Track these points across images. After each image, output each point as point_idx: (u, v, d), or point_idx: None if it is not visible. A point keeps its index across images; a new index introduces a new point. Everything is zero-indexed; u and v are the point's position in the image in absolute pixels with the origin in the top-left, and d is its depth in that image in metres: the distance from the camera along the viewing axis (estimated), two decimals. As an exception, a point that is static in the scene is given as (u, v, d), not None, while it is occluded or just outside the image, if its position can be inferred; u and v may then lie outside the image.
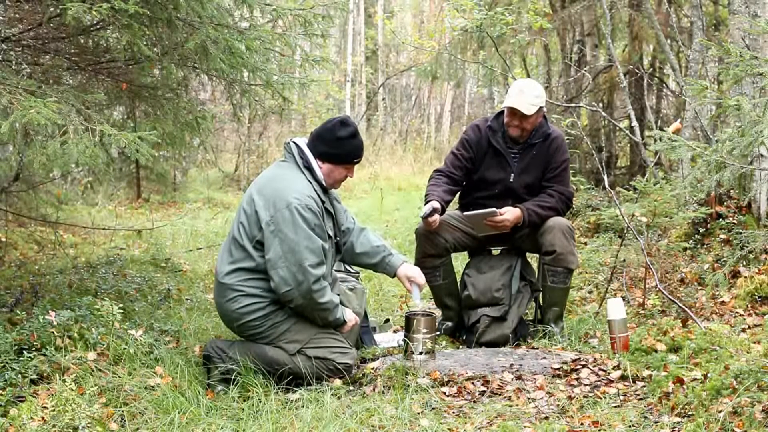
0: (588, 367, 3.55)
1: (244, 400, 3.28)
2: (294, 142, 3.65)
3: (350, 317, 3.65)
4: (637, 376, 3.40)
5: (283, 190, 3.46)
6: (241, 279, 3.49)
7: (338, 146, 3.58)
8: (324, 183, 3.60)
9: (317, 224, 3.47)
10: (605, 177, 5.64)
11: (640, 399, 3.21)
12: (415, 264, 4.40)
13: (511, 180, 4.30)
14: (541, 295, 4.34)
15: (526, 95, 4.15)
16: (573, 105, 7.95)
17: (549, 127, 4.33)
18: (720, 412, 2.80)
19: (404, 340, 3.75)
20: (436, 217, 4.14)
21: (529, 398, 3.27)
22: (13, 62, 4.42)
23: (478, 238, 4.36)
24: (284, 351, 3.50)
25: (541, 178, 4.32)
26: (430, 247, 4.27)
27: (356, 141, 3.61)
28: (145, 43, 3.97)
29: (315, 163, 3.59)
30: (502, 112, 4.31)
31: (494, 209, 4.17)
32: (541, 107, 4.20)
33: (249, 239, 3.48)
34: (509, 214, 4.18)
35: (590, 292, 5.30)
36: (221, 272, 3.54)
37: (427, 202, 4.19)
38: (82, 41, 4.69)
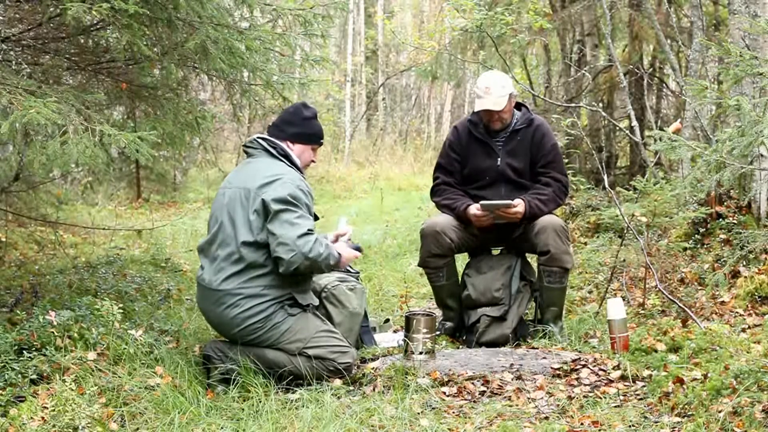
0: (588, 367, 3.55)
1: (244, 400, 3.28)
2: (260, 138, 3.71)
3: (343, 250, 3.68)
4: (637, 376, 3.40)
5: (275, 177, 3.51)
6: (243, 281, 3.47)
7: (307, 126, 3.74)
8: (300, 167, 3.70)
9: (307, 204, 3.55)
10: (605, 177, 5.64)
11: (640, 399, 3.21)
12: (419, 264, 4.42)
13: (499, 164, 4.34)
14: (538, 295, 4.34)
15: (493, 93, 4.22)
16: (573, 105, 7.94)
17: (531, 113, 4.44)
18: (720, 412, 2.80)
19: (404, 340, 3.75)
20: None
21: (529, 398, 3.27)
22: (13, 62, 4.42)
23: (480, 238, 4.37)
24: (285, 352, 3.50)
25: (529, 162, 4.36)
26: (436, 247, 4.27)
27: (319, 122, 3.82)
28: (145, 43, 3.96)
29: (289, 150, 3.68)
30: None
31: (509, 201, 4.21)
32: (510, 93, 4.27)
33: (252, 236, 3.47)
34: (521, 206, 4.22)
35: (590, 292, 5.30)
36: (215, 280, 3.50)
37: (461, 208, 4.27)
38: (82, 41, 4.69)
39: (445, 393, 3.36)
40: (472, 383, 3.45)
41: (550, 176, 4.34)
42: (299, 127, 3.72)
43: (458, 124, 4.54)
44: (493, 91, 4.22)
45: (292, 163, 3.67)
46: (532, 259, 4.66)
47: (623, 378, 3.41)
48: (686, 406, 2.97)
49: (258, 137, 3.72)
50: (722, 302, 4.51)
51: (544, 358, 3.73)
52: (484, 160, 4.36)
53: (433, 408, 3.20)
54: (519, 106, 4.44)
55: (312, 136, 3.76)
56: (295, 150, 3.71)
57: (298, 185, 3.52)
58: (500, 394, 3.35)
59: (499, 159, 4.34)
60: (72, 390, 3.03)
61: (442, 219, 4.33)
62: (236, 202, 3.53)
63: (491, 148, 4.36)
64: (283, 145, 3.69)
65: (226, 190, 3.61)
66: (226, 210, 3.55)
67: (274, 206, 3.43)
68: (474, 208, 4.24)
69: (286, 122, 3.74)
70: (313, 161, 3.81)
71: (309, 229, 3.48)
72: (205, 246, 3.62)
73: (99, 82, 4.81)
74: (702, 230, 5.28)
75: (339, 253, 3.60)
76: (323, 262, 3.50)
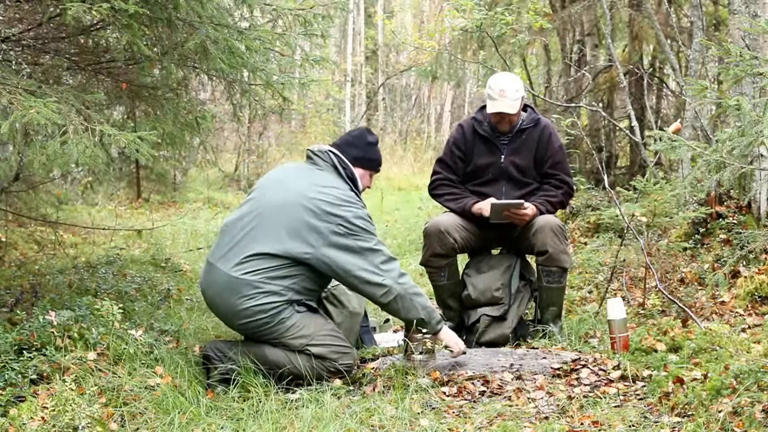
0: (588, 367, 3.55)
1: (244, 400, 3.28)
2: (331, 151, 3.68)
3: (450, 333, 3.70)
4: (637, 376, 3.40)
5: (341, 198, 3.50)
6: (267, 276, 3.42)
7: (370, 151, 3.75)
8: (360, 192, 3.70)
9: (374, 229, 3.59)
10: (605, 177, 5.64)
11: (640, 399, 3.21)
12: (422, 263, 4.41)
13: (502, 161, 4.35)
14: (538, 295, 4.34)
15: (508, 96, 4.21)
16: (573, 105, 7.94)
17: (537, 114, 4.45)
18: (720, 412, 2.80)
19: (404, 340, 3.75)
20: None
21: (529, 398, 3.27)
22: (13, 62, 4.42)
23: (482, 239, 4.37)
24: (287, 348, 3.49)
25: (533, 160, 4.37)
26: (439, 246, 4.27)
27: (379, 150, 3.83)
28: (145, 43, 3.97)
29: (356, 175, 3.68)
30: (484, 106, 4.37)
31: (522, 201, 4.21)
32: (522, 96, 4.29)
33: (303, 248, 3.44)
34: (530, 210, 4.23)
35: (590, 292, 5.30)
36: (237, 269, 3.43)
37: (467, 205, 4.29)
38: (82, 41, 4.69)
39: (445, 393, 3.36)
40: (472, 383, 3.45)
41: (559, 178, 4.37)
42: (362, 151, 3.72)
43: (463, 122, 4.54)
44: (508, 94, 4.21)
45: (356, 188, 3.66)
46: (532, 259, 4.66)
47: (623, 378, 3.41)
48: (686, 406, 2.97)
49: (330, 150, 3.68)
50: (722, 302, 4.51)
51: (544, 358, 3.73)
52: (487, 157, 4.37)
53: (433, 408, 3.20)
54: (525, 107, 4.44)
55: (373, 162, 3.78)
56: (355, 173, 3.71)
57: (367, 213, 3.54)
58: (500, 394, 3.35)
59: (502, 156, 4.35)
60: (72, 390, 3.03)
61: (446, 218, 4.33)
62: (292, 207, 3.47)
63: (495, 146, 4.37)
64: (353, 169, 3.67)
65: (282, 187, 3.56)
66: (274, 207, 3.50)
67: (348, 229, 3.44)
68: (480, 209, 4.24)
69: (349, 144, 3.72)
70: (368, 187, 3.81)
71: (391, 257, 3.52)
72: (232, 224, 3.56)
73: (99, 82, 4.81)
74: (702, 230, 5.28)
75: (442, 319, 3.67)
76: (419, 304, 3.52)
